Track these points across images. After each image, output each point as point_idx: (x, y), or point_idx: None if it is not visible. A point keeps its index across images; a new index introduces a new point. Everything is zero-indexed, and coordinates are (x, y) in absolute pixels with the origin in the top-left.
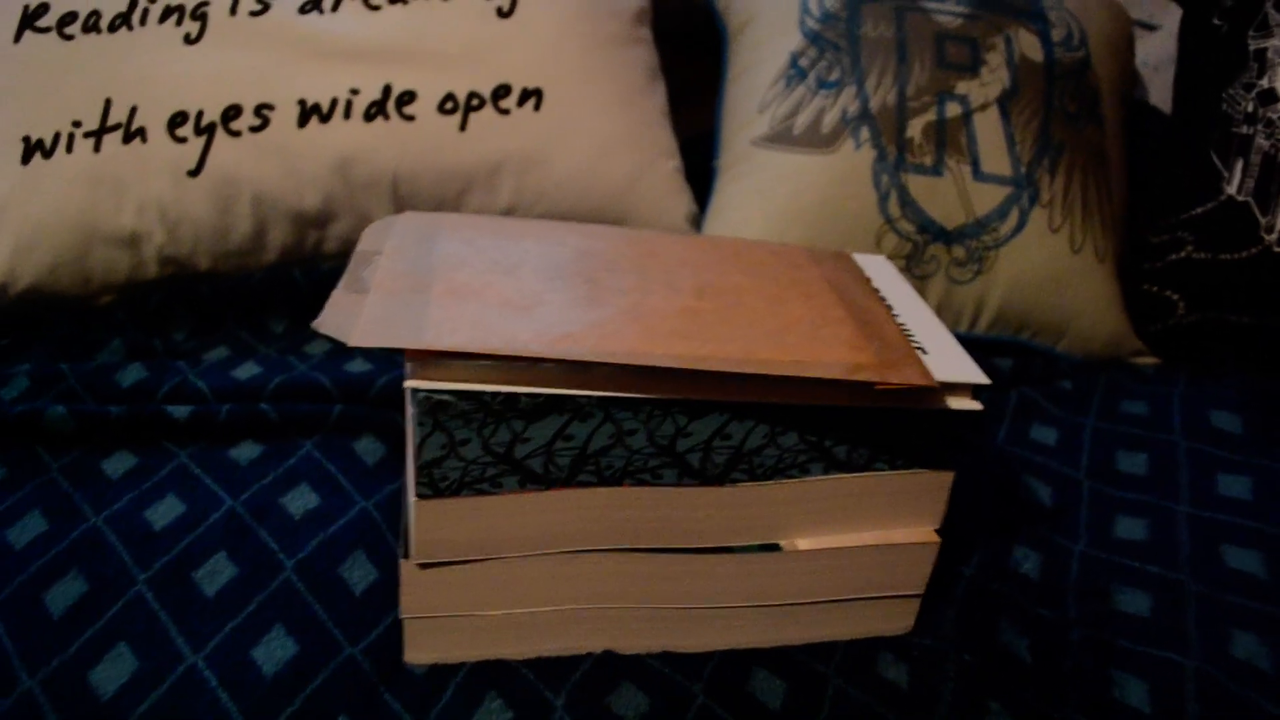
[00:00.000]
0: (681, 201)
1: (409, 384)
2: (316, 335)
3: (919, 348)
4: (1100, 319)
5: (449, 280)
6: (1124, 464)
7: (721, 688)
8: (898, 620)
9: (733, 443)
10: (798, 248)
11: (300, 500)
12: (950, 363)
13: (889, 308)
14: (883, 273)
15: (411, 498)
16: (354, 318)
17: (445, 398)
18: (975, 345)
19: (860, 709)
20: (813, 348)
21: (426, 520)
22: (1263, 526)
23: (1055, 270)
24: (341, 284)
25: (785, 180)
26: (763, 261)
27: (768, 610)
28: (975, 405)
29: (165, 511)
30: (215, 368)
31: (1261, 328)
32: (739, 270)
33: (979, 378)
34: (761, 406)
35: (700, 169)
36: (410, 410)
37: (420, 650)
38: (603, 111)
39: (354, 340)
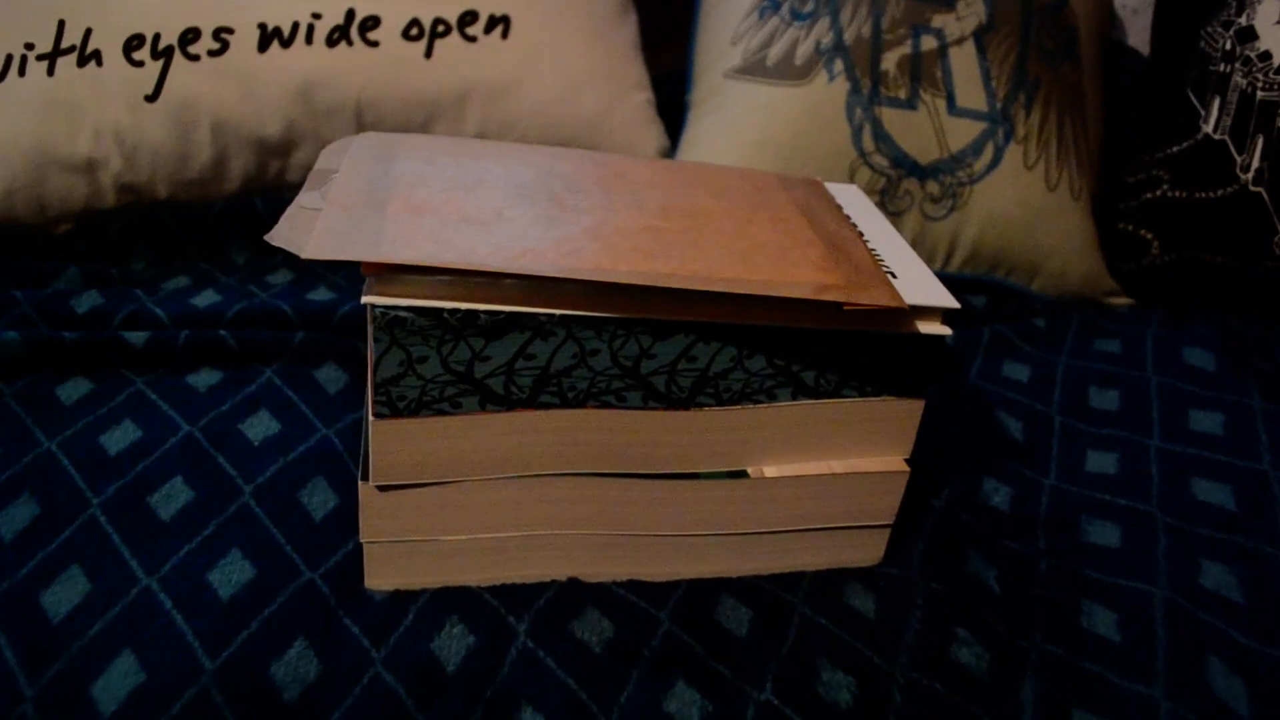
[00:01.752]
0: (652, 134)
1: (366, 299)
2: (279, 266)
3: (889, 272)
4: (1074, 258)
5: (407, 197)
6: (1096, 400)
7: (687, 615)
8: (867, 551)
9: (698, 365)
10: (767, 173)
11: (260, 427)
12: (920, 287)
13: (859, 233)
14: (854, 201)
15: (370, 418)
16: (308, 231)
17: (402, 314)
18: (949, 283)
19: (827, 637)
20: (780, 269)
21: (384, 440)
22: (1234, 461)
23: (1030, 208)
24: (297, 200)
25: (757, 112)
26: (731, 185)
27: (735, 539)
28: (945, 330)
29: (120, 437)
30: (174, 295)
31: (1236, 267)
32: (706, 193)
33: (949, 302)
34: (728, 328)
35: (672, 105)
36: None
37: (380, 576)
38: (573, 41)
39: (307, 252)
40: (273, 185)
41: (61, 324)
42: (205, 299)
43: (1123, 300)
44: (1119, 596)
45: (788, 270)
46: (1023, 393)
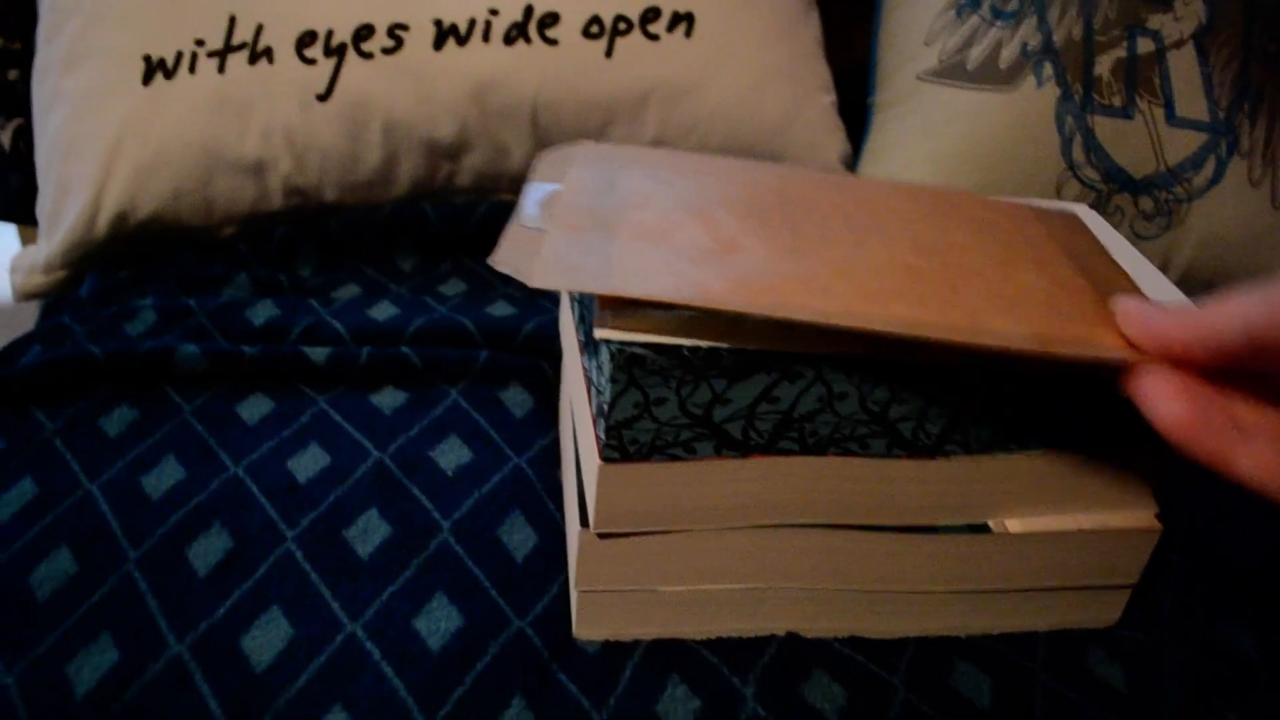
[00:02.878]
0: (836, 139)
1: (600, 334)
2: (449, 275)
3: None
4: None
5: (637, 220)
6: None
7: (922, 681)
8: (1104, 612)
9: (949, 411)
10: (1021, 204)
11: (451, 454)
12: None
13: (1129, 278)
14: (1100, 229)
15: (595, 461)
16: (533, 256)
17: (641, 351)
18: None
19: (1075, 710)
20: (1050, 320)
21: (611, 486)
22: None
23: (1252, 227)
24: (516, 218)
25: (957, 119)
26: (984, 217)
27: (967, 596)
28: None
29: (309, 462)
30: (349, 307)
31: None
32: (957, 225)
33: None
34: (987, 372)
35: (848, 105)
36: (597, 363)
37: (591, 626)
38: (758, 40)
39: (534, 281)
40: (442, 189)
41: (239, 336)
42: (382, 311)
43: None
44: None
45: (1060, 323)
46: None
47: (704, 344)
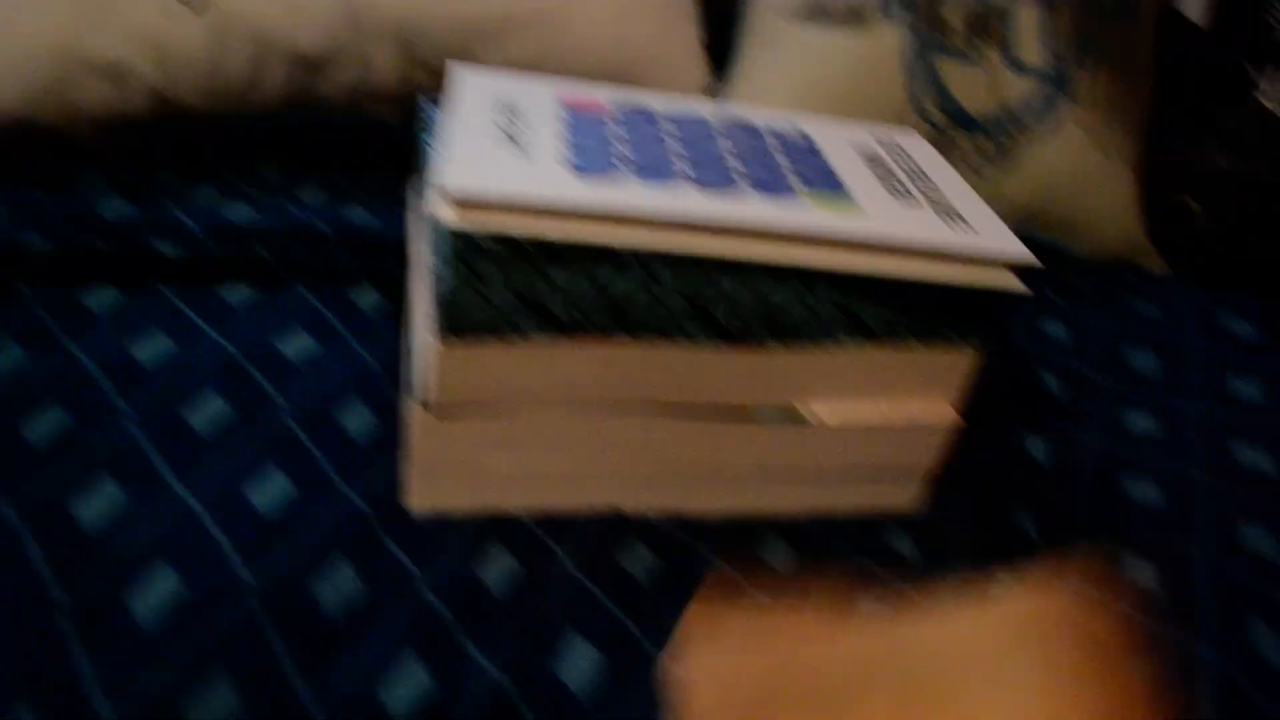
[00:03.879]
0: (699, 71)
1: (442, 220)
2: (310, 183)
3: (965, 222)
4: (1118, 222)
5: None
6: (1134, 361)
7: (731, 550)
8: (905, 496)
9: (764, 304)
10: None
11: (296, 345)
12: (996, 238)
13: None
14: (918, 149)
15: (428, 340)
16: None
17: (475, 237)
18: None
19: (870, 575)
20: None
21: (445, 364)
22: (1274, 425)
23: (1080, 169)
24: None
25: (814, 56)
26: None
27: (779, 477)
28: (1021, 287)
29: (153, 349)
30: (205, 207)
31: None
32: None
33: (1027, 257)
34: (796, 268)
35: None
36: (434, 247)
37: (423, 497)
38: None
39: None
40: (308, 102)
41: (88, 231)
42: (238, 212)
43: (1161, 268)
44: (1160, 554)
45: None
46: (1062, 352)
47: (536, 233)
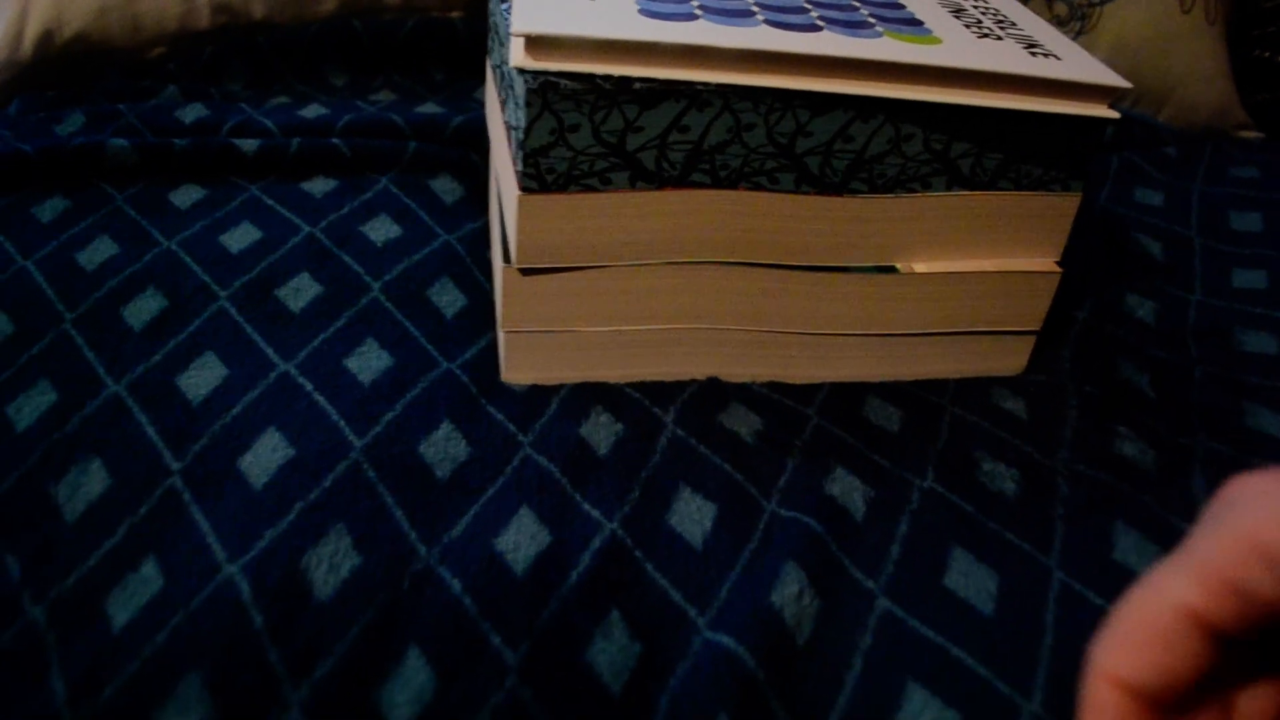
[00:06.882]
0: None
1: (514, 64)
2: (380, 88)
3: (1052, 55)
4: (1206, 87)
5: None
6: (1237, 222)
7: (835, 412)
8: (1011, 359)
9: (854, 147)
10: None
11: (381, 230)
12: (1087, 68)
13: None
14: (1003, 1)
15: (514, 193)
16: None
17: (554, 78)
18: None
19: (982, 433)
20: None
21: (530, 217)
22: None
23: (1162, 31)
24: None
25: None
26: None
27: (878, 343)
28: (1113, 114)
29: (241, 237)
30: (279, 108)
31: None
32: None
33: (1119, 81)
34: (888, 103)
35: None
36: (515, 100)
37: (518, 370)
38: None
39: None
40: (370, 6)
41: (168, 134)
42: (312, 111)
43: (1253, 134)
44: None
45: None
46: (1159, 216)
47: (616, 71)
